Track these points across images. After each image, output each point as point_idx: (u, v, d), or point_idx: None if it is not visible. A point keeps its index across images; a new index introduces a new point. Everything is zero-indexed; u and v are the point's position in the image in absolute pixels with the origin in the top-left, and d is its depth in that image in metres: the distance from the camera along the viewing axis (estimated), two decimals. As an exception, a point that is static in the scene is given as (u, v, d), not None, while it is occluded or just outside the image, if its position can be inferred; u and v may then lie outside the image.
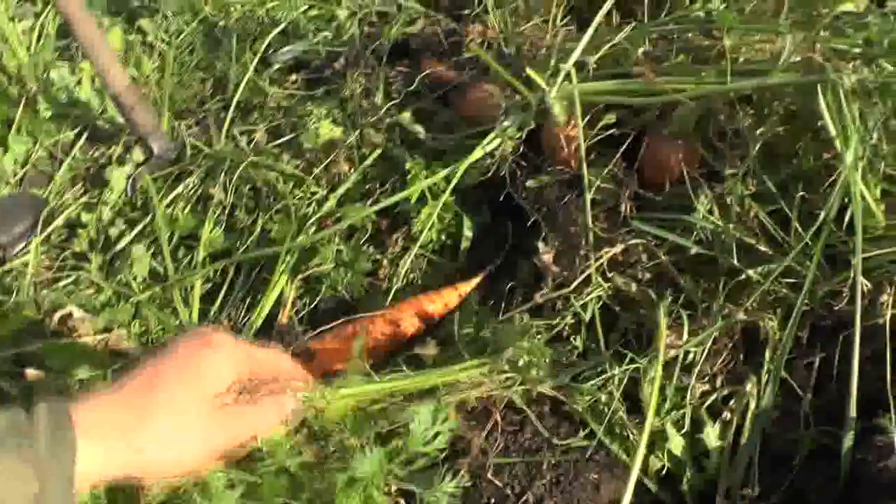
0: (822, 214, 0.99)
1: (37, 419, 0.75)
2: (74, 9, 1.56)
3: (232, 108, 1.69)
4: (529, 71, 1.24)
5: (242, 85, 1.73)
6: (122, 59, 1.99)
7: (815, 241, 0.99)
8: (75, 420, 0.76)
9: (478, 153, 1.28)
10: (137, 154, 1.74)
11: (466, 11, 1.63)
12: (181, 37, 2.04)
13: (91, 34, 1.59)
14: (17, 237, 1.68)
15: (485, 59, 1.32)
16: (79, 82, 2.00)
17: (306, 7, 1.86)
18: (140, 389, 0.84)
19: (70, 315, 1.42)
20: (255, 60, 1.77)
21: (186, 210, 1.56)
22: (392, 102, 1.45)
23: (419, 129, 1.41)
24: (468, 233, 1.29)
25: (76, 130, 1.92)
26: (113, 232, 1.62)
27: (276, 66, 1.78)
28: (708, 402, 1.00)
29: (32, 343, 1.36)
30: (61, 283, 1.55)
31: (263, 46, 1.80)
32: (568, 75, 1.23)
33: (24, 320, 1.44)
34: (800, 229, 1.02)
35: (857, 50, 1.11)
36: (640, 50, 1.28)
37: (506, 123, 1.28)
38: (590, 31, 1.26)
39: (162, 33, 2.08)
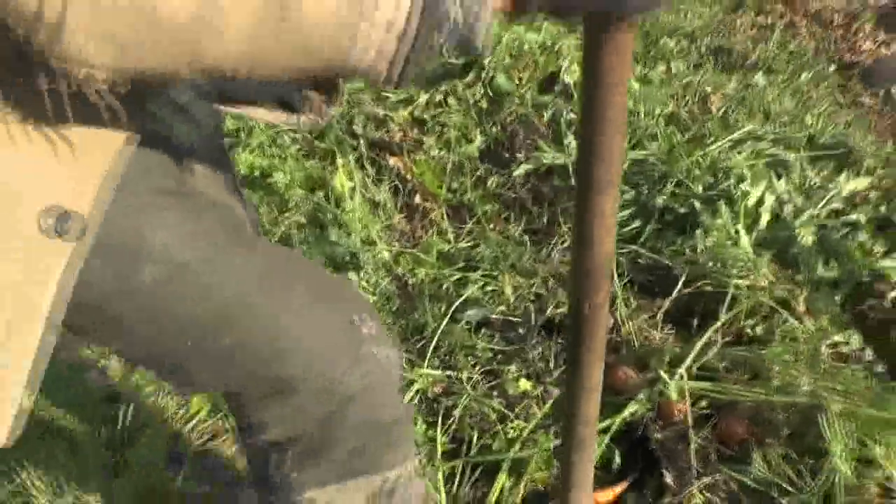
0: None
1: None
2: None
3: (430, 350, 2.63)
4: (660, 371, 2.22)
5: (439, 332, 2.69)
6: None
7: None
8: None
9: (625, 413, 2.23)
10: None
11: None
12: (377, 289, 3.01)
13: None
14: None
15: (621, 353, 2.30)
16: None
17: (482, 284, 2.85)
18: None
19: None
20: (448, 315, 2.74)
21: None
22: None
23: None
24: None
25: None
26: None
27: (465, 322, 2.75)
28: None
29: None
30: None
31: (452, 308, 2.78)
32: (681, 374, 2.21)
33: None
34: None
35: None
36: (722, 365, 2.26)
37: (640, 396, 2.24)
38: (697, 347, 2.25)
39: (364, 283, 3.05)
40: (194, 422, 2.56)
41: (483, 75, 3.28)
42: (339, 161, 3.48)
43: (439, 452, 2.38)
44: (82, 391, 2.74)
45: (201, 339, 1.03)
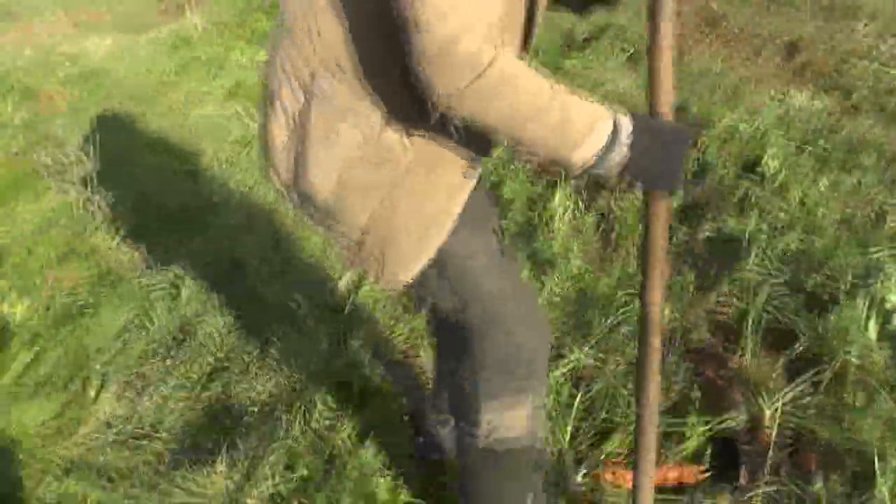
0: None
1: None
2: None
3: (590, 345, 3.27)
4: (760, 400, 2.76)
5: (601, 334, 3.33)
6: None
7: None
8: None
9: (725, 420, 2.78)
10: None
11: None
12: (562, 293, 3.71)
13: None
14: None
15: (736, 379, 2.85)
16: None
17: (645, 307, 3.46)
18: None
19: None
20: (611, 324, 3.38)
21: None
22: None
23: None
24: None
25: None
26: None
27: (622, 332, 3.37)
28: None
29: None
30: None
31: (617, 320, 3.41)
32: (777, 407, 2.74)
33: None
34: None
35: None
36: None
37: (741, 413, 2.78)
38: (797, 386, 2.77)
39: (554, 287, 3.74)
40: (396, 335, 3.39)
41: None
42: (559, 192, 4.21)
43: (573, 414, 3.00)
44: (312, 294, 3.64)
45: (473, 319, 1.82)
